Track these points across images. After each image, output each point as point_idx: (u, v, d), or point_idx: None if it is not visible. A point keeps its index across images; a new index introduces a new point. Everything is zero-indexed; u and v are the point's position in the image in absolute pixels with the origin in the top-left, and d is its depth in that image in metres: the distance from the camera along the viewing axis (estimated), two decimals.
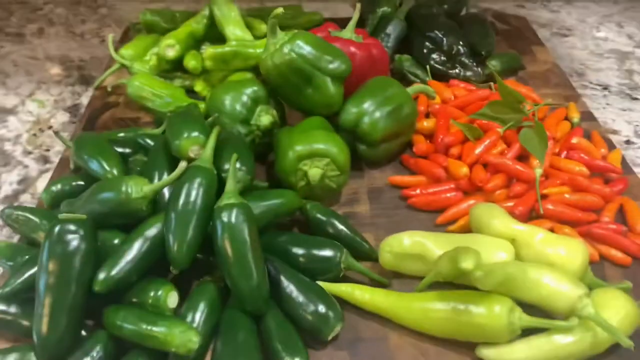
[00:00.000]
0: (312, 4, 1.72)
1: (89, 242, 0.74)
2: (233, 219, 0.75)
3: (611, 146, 1.10)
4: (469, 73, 1.23)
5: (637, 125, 1.31)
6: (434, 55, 1.26)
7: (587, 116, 1.19)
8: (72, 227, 0.73)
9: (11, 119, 1.35)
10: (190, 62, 1.18)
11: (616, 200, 0.97)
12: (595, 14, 1.75)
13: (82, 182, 0.96)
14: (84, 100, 1.41)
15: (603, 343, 0.74)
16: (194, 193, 0.78)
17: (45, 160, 1.24)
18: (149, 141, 0.99)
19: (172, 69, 1.24)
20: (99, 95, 1.27)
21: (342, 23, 1.18)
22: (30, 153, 1.26)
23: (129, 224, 0.82)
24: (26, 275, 0.76)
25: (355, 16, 1.12)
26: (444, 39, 1.25)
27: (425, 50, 1.26)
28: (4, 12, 1.77)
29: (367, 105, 1.01)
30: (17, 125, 1.33)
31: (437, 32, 1.26)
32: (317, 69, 0.97)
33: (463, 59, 1.24)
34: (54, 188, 0.95)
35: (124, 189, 0.79)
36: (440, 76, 1.25)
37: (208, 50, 1.14)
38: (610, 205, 0.96)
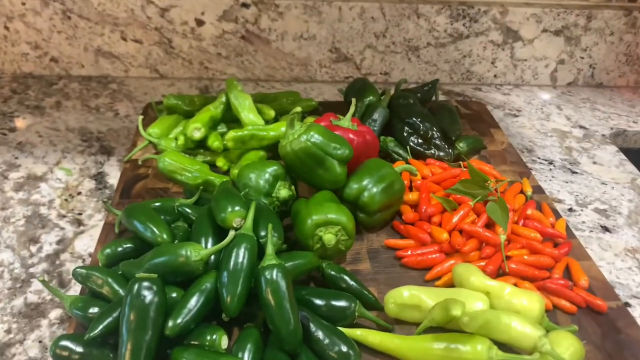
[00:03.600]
0: (301, 85, 1.98)
1: (160, 296, 0.92)
2: (274, 277, 0.95)
3: (557, 215, 1.37)
4: (442, 153, 1.48)
5: (577, 196, 1.58)
6: (412, 138, 1.50)
7: (537, 189, 1.46)
8: (147, 284, 0.92)
9: (43, 185, 1.52)
10: (215, 143, 1.40)
11: (563, 260, 1.23)
12: (539, 97, 2.07)
13: (131, 245, 1.14)
14: (106, 168, 1.60)
15: None
16: (241, 256, 0.98)
17: (79, 223, 1.41)
18: (188, 210, 1.19)
19: (195, 146, 1.46)
20: (130, 167, 1.46)
21: (330, 106, 1.46)
22: (64, 216, 1.43)
23: (183, 280, 1.01)
24: (105, 323, 0.93)
25: (352, 109, 1.35)
26: (421, 125, 1.50)
27: (405, 134, 1.51)
28: (22, 85, 1.95)
29: (365, 182, 1.23)
30: (49, 191, 1.50)
31: (414, 119, 1.51)
32: (327, 154, 1.20)
33: (437, 141, 1.49)
34: (108, 250, 1.13)
35: (183, 252, 0.99)
36: (418, 155, 1.48)
37: (230, 133, 1.36)
38: (559, 264, 1.21)
